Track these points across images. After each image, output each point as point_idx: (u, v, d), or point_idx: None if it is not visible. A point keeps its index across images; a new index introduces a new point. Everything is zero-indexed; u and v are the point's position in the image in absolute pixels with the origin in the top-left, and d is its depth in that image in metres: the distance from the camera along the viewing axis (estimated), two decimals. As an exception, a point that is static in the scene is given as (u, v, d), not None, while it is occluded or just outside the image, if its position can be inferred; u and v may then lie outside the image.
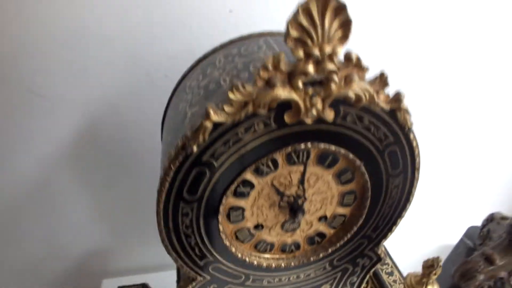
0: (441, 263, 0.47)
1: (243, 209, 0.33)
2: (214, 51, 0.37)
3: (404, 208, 0.37)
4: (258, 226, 0.34)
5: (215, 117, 0.25)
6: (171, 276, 0.74)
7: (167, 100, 0.47)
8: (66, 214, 0.66)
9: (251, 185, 0.31)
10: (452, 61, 0.63)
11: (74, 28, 0.48)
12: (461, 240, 0.69)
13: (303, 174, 0.31)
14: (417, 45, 0.60)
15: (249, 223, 0.34)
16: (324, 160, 0.31)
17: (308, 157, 0.31)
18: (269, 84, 0.25)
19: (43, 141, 0.56)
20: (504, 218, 0.61)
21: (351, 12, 0.23)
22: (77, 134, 0.56)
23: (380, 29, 0.57)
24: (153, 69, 0.53)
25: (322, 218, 0.36)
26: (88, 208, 0.66)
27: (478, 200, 0.85)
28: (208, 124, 0.25)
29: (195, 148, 0.26)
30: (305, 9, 0.22)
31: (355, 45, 0.26)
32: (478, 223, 0.71)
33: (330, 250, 0.37)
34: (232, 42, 0.36)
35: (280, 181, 0.32)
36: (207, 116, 0.25)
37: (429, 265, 0.47)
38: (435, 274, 0.47)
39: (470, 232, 0.70)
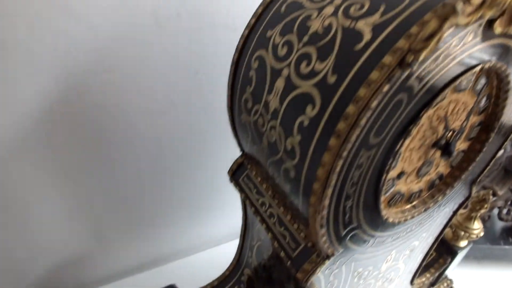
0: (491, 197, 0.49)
1: (399, 154, 0.27)
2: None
3: (501, 147, 0.35)
4: (400, 175, 0.29)
5: (463, 19, 0.18)
6: (167, 270, 0.62)
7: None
8: (31, 215, 0.47)
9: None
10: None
11: None
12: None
13: (477, 101, 0.26)
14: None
15: (395, 172, 0.28)
16: (479, 84, 0.27)
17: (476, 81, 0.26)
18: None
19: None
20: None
21: None
22: (50, 98, 0.39)
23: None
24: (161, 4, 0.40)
25: (448, 157, 0.32)
26: (59, 204, 0.48)
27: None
28: (447, 29, 0.18)
29: (416, 64, 0.19)
30: None
31: None
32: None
33: (447, 192, 0.34)
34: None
35: (438, 114, 0.27)
36: (453, 11, 0.18)
37: (481, 200, 0.49)
38: (485, 208, 0.49)
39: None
